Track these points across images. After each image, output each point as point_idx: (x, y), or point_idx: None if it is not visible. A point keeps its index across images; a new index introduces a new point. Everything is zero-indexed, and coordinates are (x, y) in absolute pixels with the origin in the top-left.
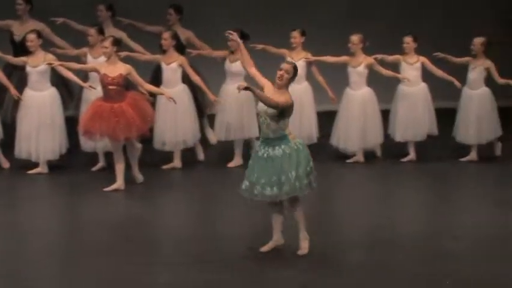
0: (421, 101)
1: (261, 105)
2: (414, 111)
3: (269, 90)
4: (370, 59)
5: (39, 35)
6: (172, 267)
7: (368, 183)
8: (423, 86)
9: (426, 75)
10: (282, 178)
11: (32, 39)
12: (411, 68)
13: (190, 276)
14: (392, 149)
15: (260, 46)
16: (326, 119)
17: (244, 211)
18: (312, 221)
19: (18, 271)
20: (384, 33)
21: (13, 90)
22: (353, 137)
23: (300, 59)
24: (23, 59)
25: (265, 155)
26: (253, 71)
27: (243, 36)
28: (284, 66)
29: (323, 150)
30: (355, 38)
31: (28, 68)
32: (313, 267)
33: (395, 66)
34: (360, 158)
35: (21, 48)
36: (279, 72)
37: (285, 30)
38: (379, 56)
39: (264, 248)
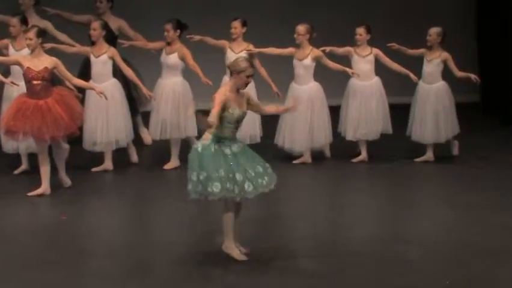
0: (374, 97)
1: (243, 108)
2: (367, 108)
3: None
4: (317, 51)
5: None
6: (104, 279)
7: (316, 186)
8: (376, 80)
9: (380, 69)
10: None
11: None
12: (363, 60)
13: None
14: (342, 149)
15: (197, 37)
16: (270, 117)
17: (181, 216)
18: (255, 226)
19: None
20: (334, 24)
21: None
22: (299, 137)
23: (241, 50)
24: None
25: (235, 150)
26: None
27: (180, 27)
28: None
29: (267, 151)
30: (301, 28)
31: None
32: (254, 275)
33: (346, 59)
34: (307, 158)
35: None
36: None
37: (225, 20)
38: (328, 48)
39: (242, 257)
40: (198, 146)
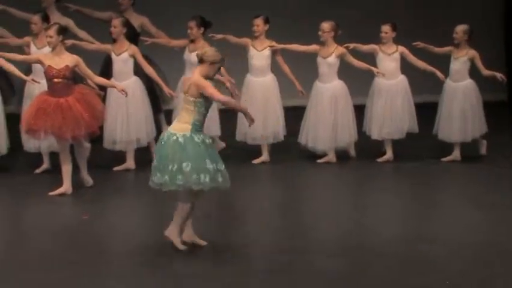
0: (400, 95)
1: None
2: (392, 107)
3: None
4: (342, 49)
5: None
6: (125, 279)
7: (340, 185)
8: (402, 79)
9: (406, 67)
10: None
11: None
12: (389, 58)
13: None
14: (368, 148)
15: (220, 36)
16: (294, 115)
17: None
18: (278, 226)
19: None
20: (359, 21)
21: None
22: (323, 135)
23: (263, 48)
24: None
25: (207, 141)
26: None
27: (204, 24)
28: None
29: (290, 150)
30: (326, 26)
31: None
32: (278, 276)
33: (371, 57)
34: (332, 158)
35: None
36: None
37: (247, 17)
38: (352, 45)
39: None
40: (177, 137)
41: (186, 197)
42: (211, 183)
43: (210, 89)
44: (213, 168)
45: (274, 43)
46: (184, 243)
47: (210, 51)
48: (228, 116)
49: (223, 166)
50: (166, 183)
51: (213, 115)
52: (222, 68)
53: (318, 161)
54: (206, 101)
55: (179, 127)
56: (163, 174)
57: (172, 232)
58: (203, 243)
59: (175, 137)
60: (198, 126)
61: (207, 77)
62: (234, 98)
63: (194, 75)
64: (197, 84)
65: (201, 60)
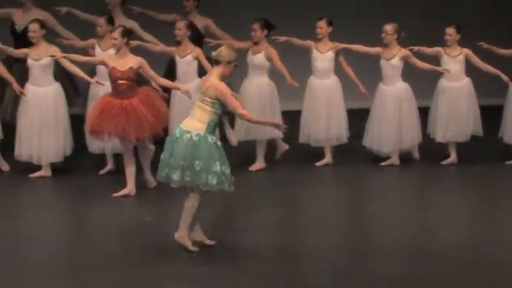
0: (464, 98)
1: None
2: (457, 109)
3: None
4: (405, 51)
5: (43, 25)
6: (192, 278)
7: (404, 188)
8: (466, 81)
9: (471, 69)
10: None
11: (34, 30)
12: (453, 61)
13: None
14: (432, 151)
15: (283, 38)
16: (357, 117)
17: (268, 217)
18: (340, 229)
19: (19, 285)
20: (422, 23)
21: (16, 85)
22: (387, 138)
23: (327, 50)
24: (24, 51)
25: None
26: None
27: (268, 27)
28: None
29: (353, 152)
30: (389, 28)
31: (30, 61)
32: (339, 279)
33: (434, 60)
34: (395, 160)
35: (22, 40)
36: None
37: (311, 20)
38: (416, 48)
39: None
40: (191, 136)
41: (196, 194)
42: (218, 186)
43: (232, 101)
44: (220, 171)
45: (337, 43)
46: (194, 242)
47: (224, 51)
48: (292, 118)
49: (229, 170)
50: (175, 178)
51: (276, 118)
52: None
53: (382, 163)
54: (221, 104)
55: (194, 125)
56: (172, 170)
57: (181, 235)
58: (211, 242)
59: (189, 135)
60: (212, 127)
61: (224, 77)
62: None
63: (212, 77)
64: (217, 90)
65: (216, 61)
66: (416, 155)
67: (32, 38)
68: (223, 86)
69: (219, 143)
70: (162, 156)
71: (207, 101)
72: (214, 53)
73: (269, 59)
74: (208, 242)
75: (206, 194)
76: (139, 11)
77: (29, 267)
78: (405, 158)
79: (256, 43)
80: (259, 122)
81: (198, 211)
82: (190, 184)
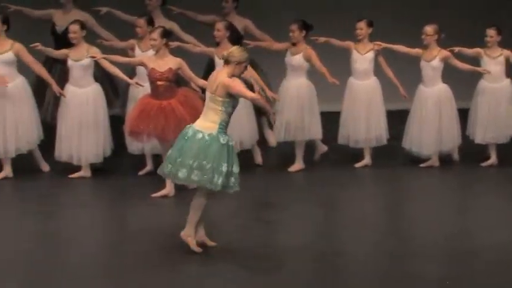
0: (504, 99)
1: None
2: (497, 110)
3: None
4: (446, 52)
5: (83, 26)
6: (230, 277)
7: (444, 190)
8: (507, 83)
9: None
10: None
11: (75, 31)
12: (494, 62)
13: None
14: (471, 152)
15: (323, 39)
16: (397, 118)
17: (305, 218)
18: (379, 230)
19: (58, 284)
20: (462, 25)
21: (55, 87)
22: (427, 140)
23: (367, 51)
24: (64, 51)
25: (230, 143)
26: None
27: (306, 27)
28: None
29: (393, 153)
30: (429, 29)
31: (70, 62)
32: (377, 280)
33: (475, 61)
34: (435, 161)
35: (63, 40)
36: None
37: (350, 21)
38: (456, 49)
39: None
40: (203, 135)
41: (203, 194)
42: (224, 186)
43: (238, 86)
44: (226, 171)
45: (378, 43)
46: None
47: (235, 52)
48: (330, 119)
49: (238, 169)
50: (183, 177)
51: (314, 119)
52: (325, 72)
53: (421, 165)
54: (234, 100)
55: (206, 125)
56: (179, 168)
57: (187, 233)
58: (212, 244)
59: (201, 135)
60: (224, 127)
61: (236, 76)
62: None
63: (221, 75)
64: (224, 85)
65: (227, 61)
66: (456, 156)
67: (72, 38)
68: (229, 80)
69: (231, 143)
70: (169, 152)
71: (217, 100)
72: (225, 53)
73: (308, 59)
74: (210, 243)
75: (213, 194)
76: (179, 12)
77: (68, 267)
78: (445, 159)
79: (294, 44)
80: (263, 105)
81: (204, 211)
82: (196, 184)
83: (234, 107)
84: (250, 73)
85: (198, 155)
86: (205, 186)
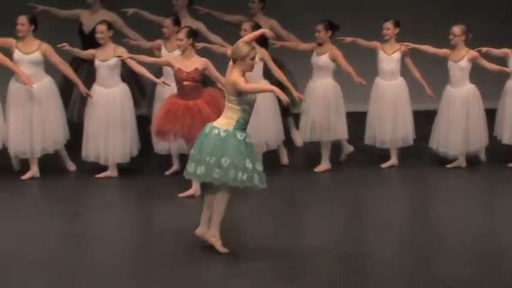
0: None
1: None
2: None
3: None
4: (473, 53)
5: (110, 26)
6: (255, 276)
7: (471, 190)
8: None
9: None
10: None
11: (102, 31)
12: None
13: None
14: (499, 153)
15: (349, 39)
16: (423, 119)
17: (332, 219)
18: (405, 231)
19: (84, 283)
20: (489, 25)
21: (82, 87)
22: (455, 140)
23: (393, 52)
24: (91, 52)
25: (248, 140)
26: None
27: (332, 27)
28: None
29: (420, 153)
30: (457, 29)
31: (97, 62)
32: (403, 282)
33: (502, 62)
34: (462, 162)
35: (90, 41)
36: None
37: (377, 21)
38: (484, 49)
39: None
40: (219, 131)
41: (225, 192)
42: (247, 182)
43: (241, 82)
44: (251, 168)
45: (403, 48)
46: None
47: (236, 48)
48: (357, 119)
49: (262, 167)
50: (201, 174)
51: (341, 119)
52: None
53: (448, 165)
54: (247, 97)
55: (223, 122)
56: (199, 165)
57: (211, 234)
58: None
59: (217, 131)
60: (242, 124)
61: (245, 72)
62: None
63: (230, 75)
64: (233, 83)
65: (233, 60)
66: (483, 157)
67: (99, 39)
68: (236, 78)
69: (249, 140)
70: (191, 151)
71: (232, 100)
72: (228, 52)
73: (334, 59)
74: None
75: (234, 191)
76: (205, 12)
77: (94, 267)
78: (472, 160)
79: (320, 44)
80: (264, 88)
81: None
82: (218, 182)
83: (249, 104)
84: (277, 73)
85: (215, 152)
86: (228, 184)
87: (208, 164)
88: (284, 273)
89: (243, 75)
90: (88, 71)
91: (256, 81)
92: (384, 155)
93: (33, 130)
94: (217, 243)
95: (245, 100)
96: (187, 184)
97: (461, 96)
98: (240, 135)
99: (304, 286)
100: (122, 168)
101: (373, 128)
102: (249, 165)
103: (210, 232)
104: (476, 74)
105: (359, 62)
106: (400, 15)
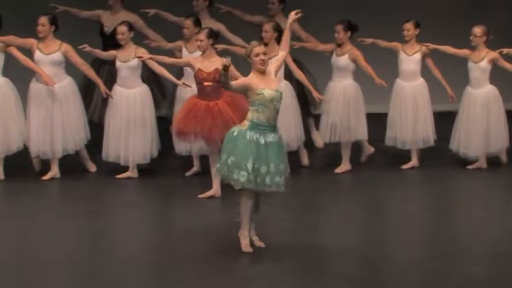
0: None
1: (279, 89)
2: None
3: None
4: (494, 54)
5: (131, 27)
6: (272, 277)
7: (492, 192)
8: None
9: None
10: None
11: (123, 32)
12: None
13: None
14: None
15: (369, 40)
16: (444, 120)
17: (351, 220)
18: (426, 232)
19: (106, 282)
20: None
21: (103, 87)
22: (475, 142)
23: (414, 52)
24: (112, 52)
25: (269, 140)
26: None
27: (351, 28)
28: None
29: (440, 155)
30: (478, 30)
31: (118, 63)
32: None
33: None
34: (482, 163)
35: (111, 41)
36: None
37: (397, 22)
38: (505, 50)
39: (249, 249)
40: (235, 130)
41: (246, 192)
42: (246, 184)
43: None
44: (253, 168)
45: (424, 49)
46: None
47: (243, 52)
48: (377, 120)
49: (283, 169)
50: (218, 170)
51: (361, 120)
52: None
53: (469, 167)
54: (257, 96)
55: (243, 123)
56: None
57: (240, 233)
58: (261, 244)
59: (233, 130)
60: (256, 124)
61: (259, 70)
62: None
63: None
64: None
65: (246, 61)
66: (504, 158)
67: (120, 40)
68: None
69: (263, 142)
70: None
71: (248, 101)
72: (243, 54)
73: (353, 60)
74: (258, 243)
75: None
76: (226, 10)
77: (114, 267)
78: (493, 161)
79: (339, 45)
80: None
81: (250, 209)
82: (225, 180)
83: (263, 104)
84: (298, 74)
85: (225, 150)
86: (232, 184)
87: (221, 161)
88: (306, 274)
89: (260, 74)
90: (108, 72)
91: (278, 81)
92: (405, 156)
93: (54, 130)
94: (242, 243)
95: (255, 100)
96: (208, 185)
97: (481, 98)
98: (249, 135)
99: (326, 286)
100: (143, 169)
101: (394, 129)
102: (250, 165)
103: (240, 231)
104: (497, 75)
105: (380, 63)
106: (419, 15)
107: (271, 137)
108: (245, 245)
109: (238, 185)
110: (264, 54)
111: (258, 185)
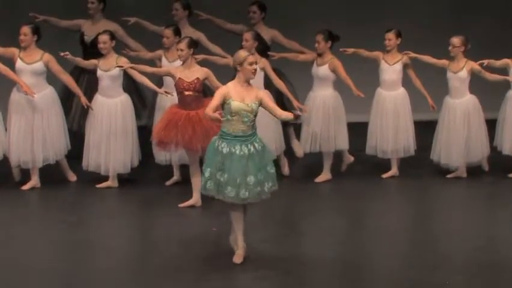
0: None
1: (247, 101)
2: None
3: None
4: (473, 63)
5: (113, 36)
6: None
7: (472, 201)
8: None
9: None
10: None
11: (105, 41)
12: None
13: None
14: (499, 164)
15: (351, 50)
16: (424, 129)
17: (333, 230)
18: (406, 241)
19: None
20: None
21: (83, 99)
22: (456, 152)
23: (395, 62)
24: (93, 62)
25: (244, 152)
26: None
27: (331, 38)
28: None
29: (421, 164)
30: (456, 40)
31: (99, 72)
32: None
33: (503, 72)
34: (462, 172)
35: (91, 50)
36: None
37: (379, 31)
38: (486, 61)
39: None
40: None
41: (229, 206)
42: (212, 192)
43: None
44: (210, 175)
45: (405, 58)
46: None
47: (235, 55)
48: (358, 129)
49: (253, 180)
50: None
51: (341, 129)
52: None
53: (448, 176)
54: (226, 106)
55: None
56: None
57: (231, 237)
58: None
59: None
60: (225, 134)
61: (248, 79)
62: None
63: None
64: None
65: (235, 69)
66: (486, 166)
67: (102, 49)
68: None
69: (226, 151)
70: None
71: None
72: (231, 62)
73: (333, 70)
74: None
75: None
76: (206, 18)
77: (94, 277)
78: (474, 170)
79: (320, 55)
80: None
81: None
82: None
83: (231, 114)
84: (278, 83)
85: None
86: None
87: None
88: (284, 283)
89: (245, 83)
90: (88, 81)
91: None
92: (385, 165)
93: (35, 140)
94: (235, 248)
95: (224, 109)
96: (188, 194)
97: (461, 108)
98: (216, 144)
99: None
100: (123, 179)
101: (374, 138)
102: (208, 173)
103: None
104: (477, 84)
105: (361, 71)
106: (401, 25)
107: (249, 148)
108: (237, 255)
109: (205, 192)
110: (256, 63)
111: (218, 192)
